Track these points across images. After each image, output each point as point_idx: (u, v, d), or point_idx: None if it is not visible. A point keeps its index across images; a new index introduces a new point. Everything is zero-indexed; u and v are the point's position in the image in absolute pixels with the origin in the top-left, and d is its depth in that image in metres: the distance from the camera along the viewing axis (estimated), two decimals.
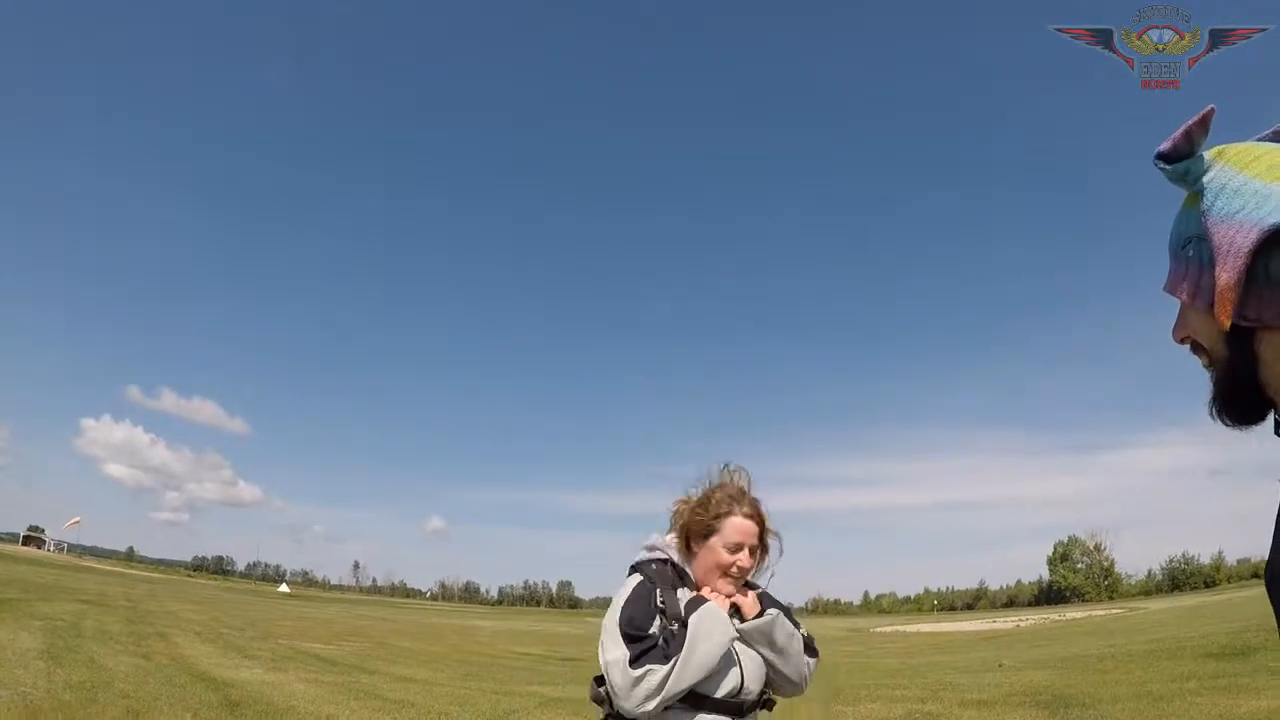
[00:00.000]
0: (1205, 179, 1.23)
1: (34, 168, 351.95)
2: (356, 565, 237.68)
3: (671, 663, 2.46)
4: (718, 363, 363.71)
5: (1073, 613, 78.25)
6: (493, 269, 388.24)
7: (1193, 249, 1.26)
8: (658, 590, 2.71)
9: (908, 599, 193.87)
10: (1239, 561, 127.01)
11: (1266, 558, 1.28)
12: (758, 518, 2.88)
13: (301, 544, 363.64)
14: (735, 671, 2.65)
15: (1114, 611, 67.02)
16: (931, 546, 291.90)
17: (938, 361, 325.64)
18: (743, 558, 2.80)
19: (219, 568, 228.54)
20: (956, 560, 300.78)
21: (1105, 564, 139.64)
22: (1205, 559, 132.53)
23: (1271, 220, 1.12)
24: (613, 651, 2.55)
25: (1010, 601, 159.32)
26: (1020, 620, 69.04)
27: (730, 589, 2.79)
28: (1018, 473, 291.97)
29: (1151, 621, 36.86)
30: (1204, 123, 1.21)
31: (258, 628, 28.56)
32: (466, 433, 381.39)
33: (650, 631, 2.59)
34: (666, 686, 2.45)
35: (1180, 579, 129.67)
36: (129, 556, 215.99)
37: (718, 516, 2.83)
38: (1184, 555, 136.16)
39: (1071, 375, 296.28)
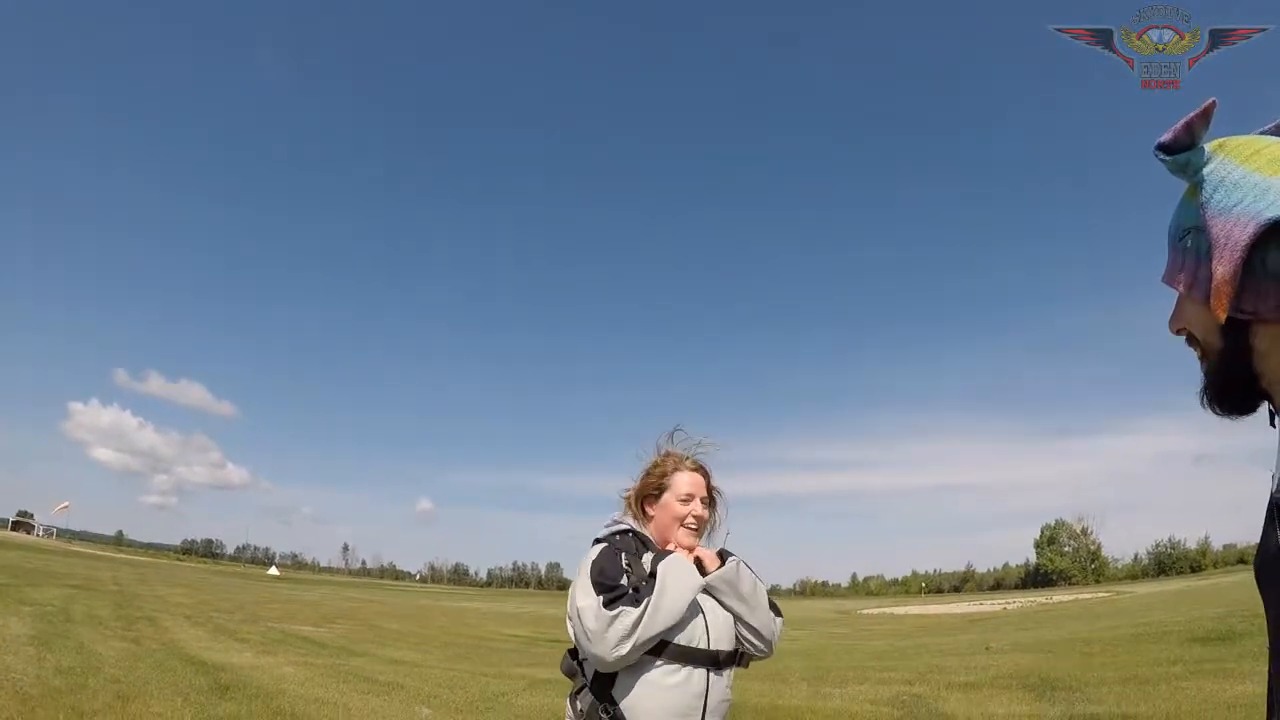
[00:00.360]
0: (1205, 171, 1.23)
1: (22, 157, 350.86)
2: (345, 547, 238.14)
3: (644, 605, 2.53)
4: (709, 347, 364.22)
5: (1059, 596, 78.64)
6: (482, 252, 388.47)
7: (1191, 240, 1.27)
8: (623, 555, 2.79)
9: (895, 581, 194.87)
10: (1225, 547, 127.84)
11: (1256, 546, 1.29)
12: (702, 471, 3.09)
13: (290, 526, 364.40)
14: (701, 623, 2.73)
15: (1100, 595, 67.34)
16: (919, 529, 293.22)
17: (928, 346, 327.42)
18: (696, 507, 2.97)
19: (208, 551, 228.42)
20: (944, 543, 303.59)
21: (1092, 548, 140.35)
22: (1191, 544, 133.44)
23: (1270, 214, 1.13)
24: (584, 599, 2.60)
25: (997, 584, 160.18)
26: (1007, 603, 69.34)
27: (691, 540, 2.94)
28: (1006, 456, 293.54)
29: (1138, 605, 37.07)
30: (1205, 115, 1.21)
31: (247, 611, 28.55)
32: (455, 415, 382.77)
33: (621, 581, 2.66)
34: (640, 629, 2.51)
35: (1166, 563, 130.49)
36: (118, 540, 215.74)
37: (665, 474, 3.04)
38: (1170, 540, 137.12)
39: (1060, 360, 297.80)
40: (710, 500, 3.08)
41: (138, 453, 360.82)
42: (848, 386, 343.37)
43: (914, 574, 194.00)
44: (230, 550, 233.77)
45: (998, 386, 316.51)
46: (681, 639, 2.66)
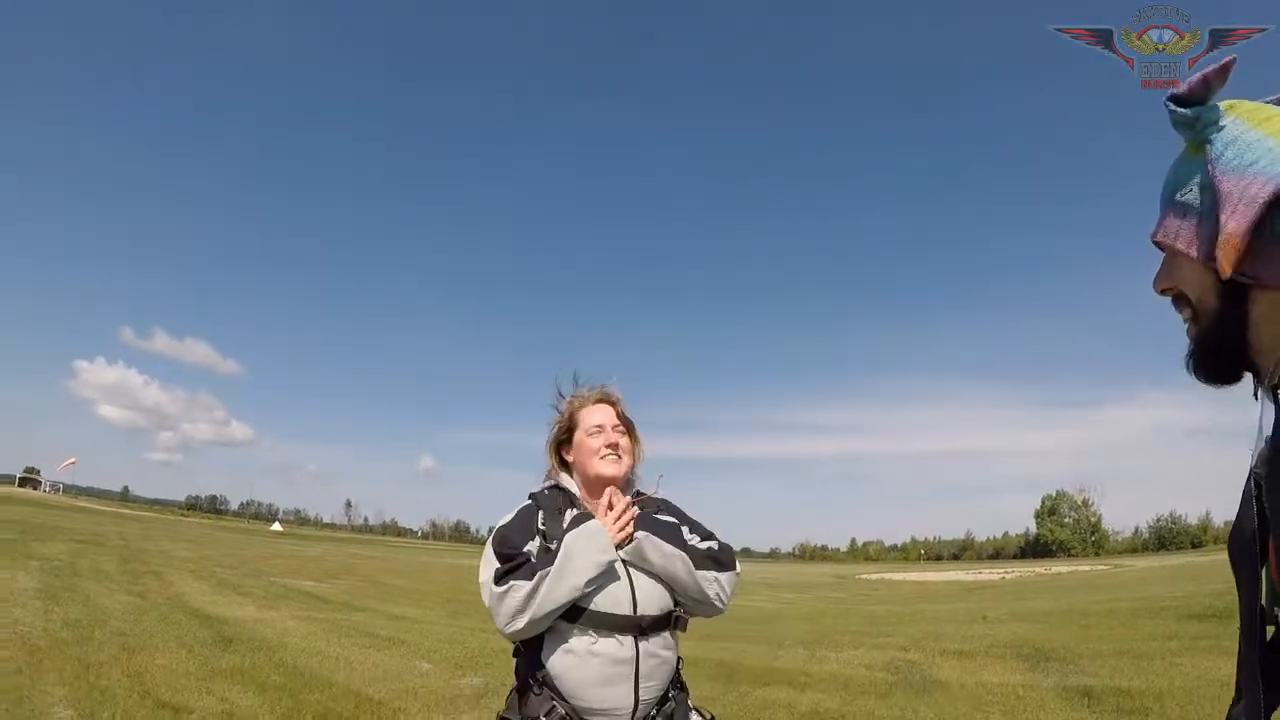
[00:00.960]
0: (1218, 126, 1.23)
1: (26, 118, 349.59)
2: (348, 504, 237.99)
3: (537, 578, 2.45)
4: (712, 310, 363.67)
5: (1058, 567, 78.67)
6: (486, 211, 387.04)
7: (1194, 196, 1.26)
8: (541, 512, 2.74)
9: (895, 547, 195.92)
10: (1226, 523, 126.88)
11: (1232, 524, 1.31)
12: (609, 400, 2.99)
13: (294, 483, 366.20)
14: (626, 588, 2.61)
15: (1099, 568, 67.36)
16: (920, 496, 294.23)
17: (933, 313, 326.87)
18: (608, 434, 2.86)
19: (212, 507, 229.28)
20: (944, 510, 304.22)
21: (1092, 520, 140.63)
22: (1192, 519, 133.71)
23: None
24: (484, 572, 2.59)
25: (996, 553, 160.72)
26: (1006, 572, 69.34)
27: (614, 468, 2.83)
28: (1009, 425, 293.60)
29: (1136, 579, 37.13)
30: (1223, 72, 1.22)
31: (250, 566, 28.69)
32: (458, 373, 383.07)
33: (524, 549, 2.60)
34: (533, 604, 2.45)
35: (1167, 538, 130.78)
36: (124, 496, 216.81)
37: (572, 413, 2.96)
38: (1171, 514, 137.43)
39: (1067, 329, 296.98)
40: (628, 429, 2.97)
41: (143, 410, 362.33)
42: (851, 351, 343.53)
43: (913, 540, 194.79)
44: (234, 506, 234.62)
45: (1003, 354, 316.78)
46: (602, 605, 2.56)
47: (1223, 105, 1.24)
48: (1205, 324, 1.27)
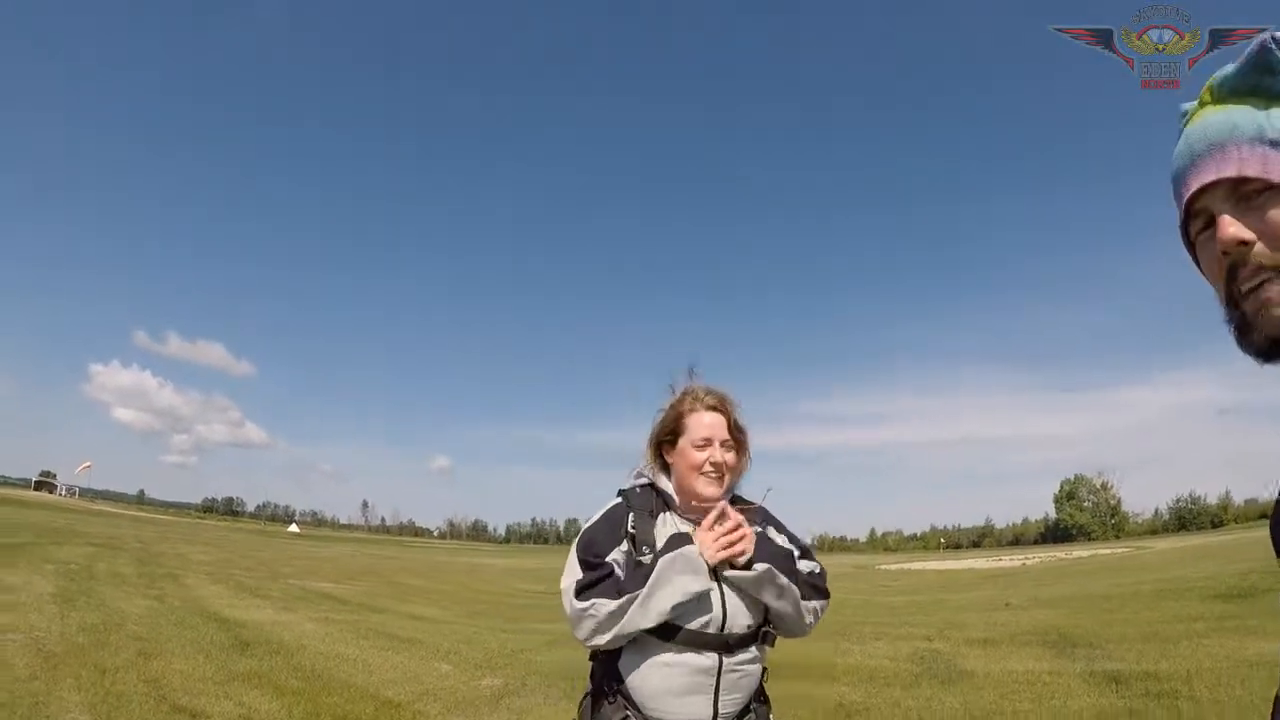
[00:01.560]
0: None
1: (38, 120, 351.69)
2: (365, 505, 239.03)
3: (624, 600, 2.33)
4: (728, 302, 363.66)
5: (1079, 551, 78.39)
6: (500, 208, 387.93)
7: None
8: (631, 515, 2.58)
9: (914, 536, 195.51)
10: (1246, 502, 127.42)
11: (1274, 503, 1.21)
12: (722, 409, 2.73)
13: (310, 484, 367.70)
14: (718, 607, 2.45)
15: (1120, 551, 67.15)
16: (938, 484, 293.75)
17: (947, 299, 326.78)
18: (714, 452, 2.62)
19: (228, 509, 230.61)
20: (963, 498, 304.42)
21: (1112, 503, 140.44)
22: (1212, 499, 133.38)
23: None
24: (566, 578, 2.47)
25: (1016, 540, 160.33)
26: (1027, 558, 69.06)
27: (712, 490, 2.61)
28: (1025, 410, 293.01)
29: (1158, 561, 36.94)
30: None
31: (268, 568, 28.78)
32: (473, 372, 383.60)
33: (608, 558, 2.47)
34: (616, 626, 2.34)
35: (1187, 519, 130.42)
36: (139, 499, 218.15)
37: (679, 416, 2.72)
38: (1190, 495, 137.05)
39: (1080, 313, 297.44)
40: (736, 443, 2.72)
41: (158, 412, 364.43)
42: (866, 340, 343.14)
43: (932, 529, 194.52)
44: (250, 508, 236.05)
45: (1017, 339, 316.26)
46: (689, 622, 2.41)
47: None
48: None
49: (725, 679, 2.43)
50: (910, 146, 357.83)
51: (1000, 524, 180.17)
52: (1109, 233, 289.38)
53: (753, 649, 2.53)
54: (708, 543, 2.45)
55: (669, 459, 2.74)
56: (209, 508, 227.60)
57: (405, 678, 9.81)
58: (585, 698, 2.59)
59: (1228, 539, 56.94)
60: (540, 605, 23.14)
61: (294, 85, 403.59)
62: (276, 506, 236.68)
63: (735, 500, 2.75)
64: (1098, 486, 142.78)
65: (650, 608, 2.33)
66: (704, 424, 2.66)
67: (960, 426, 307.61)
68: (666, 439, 2.74)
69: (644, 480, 2.75)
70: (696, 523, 2.62)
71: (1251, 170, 1.12)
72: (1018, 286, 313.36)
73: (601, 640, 2.37)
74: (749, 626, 2.51)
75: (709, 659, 2.41)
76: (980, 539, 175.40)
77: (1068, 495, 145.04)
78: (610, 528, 2.55)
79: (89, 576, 18.02)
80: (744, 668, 2.49)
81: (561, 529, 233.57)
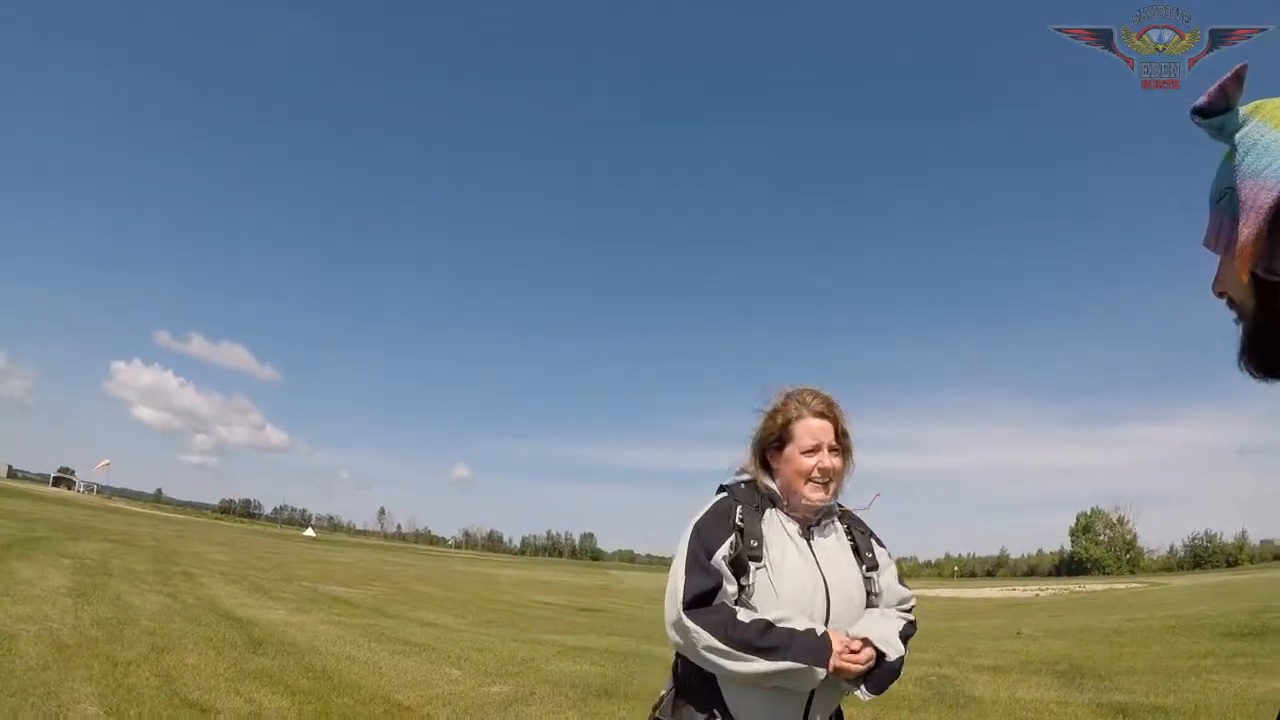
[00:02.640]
0: (1239, 134, 1.23)
1: (65, 119, 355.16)
2: (382, 511, 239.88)
3: (727, 647, 2.26)
4: (747, 324, 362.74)
5: (1093, 585, 78.05)
6: (525, 219, 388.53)
7: (1226, 201, 1.26)
8: (739, 507, 2.53)
9: (929, 563, 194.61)
10: (1262, 542, 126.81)
11: None
12: (830, 415, 2.71)
13: (328, 489, 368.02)
14: (821, 608, 2.44)
15: (1134, 586, 66.71)
16: (954, 513, 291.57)
17: (969, 328, 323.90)
18: (823, 458, 2.61)
19: (246, 510, 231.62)
20: (979, 527, 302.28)
21: (1127, 537, 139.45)
22: (1228, 537, 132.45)
23: None
24: (674, 577, 2.42)
25: (1031, 571, 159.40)
26: (1040, 590, 68.81)
27: (819, 495, 2.60)
28: (1044, 442, 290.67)
29: (1172, 597, 36.72)
30: (1238, 78, 1.21)
31: (283, 570, 28.84)
32: (495, 383, 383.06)
33: (717, 558, 2.39)
34: (709, 660, 2.30)
35: (1202, 556, 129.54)
36: (157, 498, 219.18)
37: (787, 422, 2.68)
38: (1207, 533, 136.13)
39: (1102, 346, 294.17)
40: (842, 448, 2.71)
41: (179, 412, 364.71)
42: (886, 365, 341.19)
43: (947, 557, 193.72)
44: (268, 511, 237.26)
45: (1040, 371, 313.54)
46: (788, 619, 2.36)
47: (1248, 108, 1.25)
48: (1248, 323, 1.28)
49: (819, 694, 2.41)
50: (932, 166, 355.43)
51: (1015, 555, 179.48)
52: (1137, 269, 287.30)
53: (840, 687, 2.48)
54: (838, 653, 2.34)
55: (773, 463, 2.72)
56: (226, 509, 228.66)
57: (415, 681, 9.85)
58: (667, 694, 2.55)
59: (1242, 578, 56.51)
60: (552, 616, 23.17)
61: (331, 90, 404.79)
62: (293, 510, 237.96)
63: (840, 509, 2.78)
64: (1114, 521, 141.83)
65: (749, 672, 2.28)
66: (812, 430, 2.65)
67: (979, 455, 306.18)
68: (773, 445, 2.72)
69: (746, 477, 2.73)
70: (800, 522, 2.64)
71: (1204, 240, 1.34)
72: (1043, 319, 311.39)
73: (688, 655, 2.39)
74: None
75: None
76: (995, 569, 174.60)
77: (1084, 528, 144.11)
78: (719, 520, 2.51)
79: (104, 572, 18.14)
80: (837, 684, 2.43)
81: (576, 543, 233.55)
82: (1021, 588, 78.16)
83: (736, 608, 2.39)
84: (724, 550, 2.43)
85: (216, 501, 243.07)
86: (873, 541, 2.76)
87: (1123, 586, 67.25)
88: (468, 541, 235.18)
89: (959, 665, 13.67)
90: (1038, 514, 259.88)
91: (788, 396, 2.75)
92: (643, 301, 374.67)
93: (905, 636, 2.59)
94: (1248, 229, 1.17)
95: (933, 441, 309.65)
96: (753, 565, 2.41)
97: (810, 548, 2.57)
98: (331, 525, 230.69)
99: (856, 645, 2.37)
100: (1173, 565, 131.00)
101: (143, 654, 9.36)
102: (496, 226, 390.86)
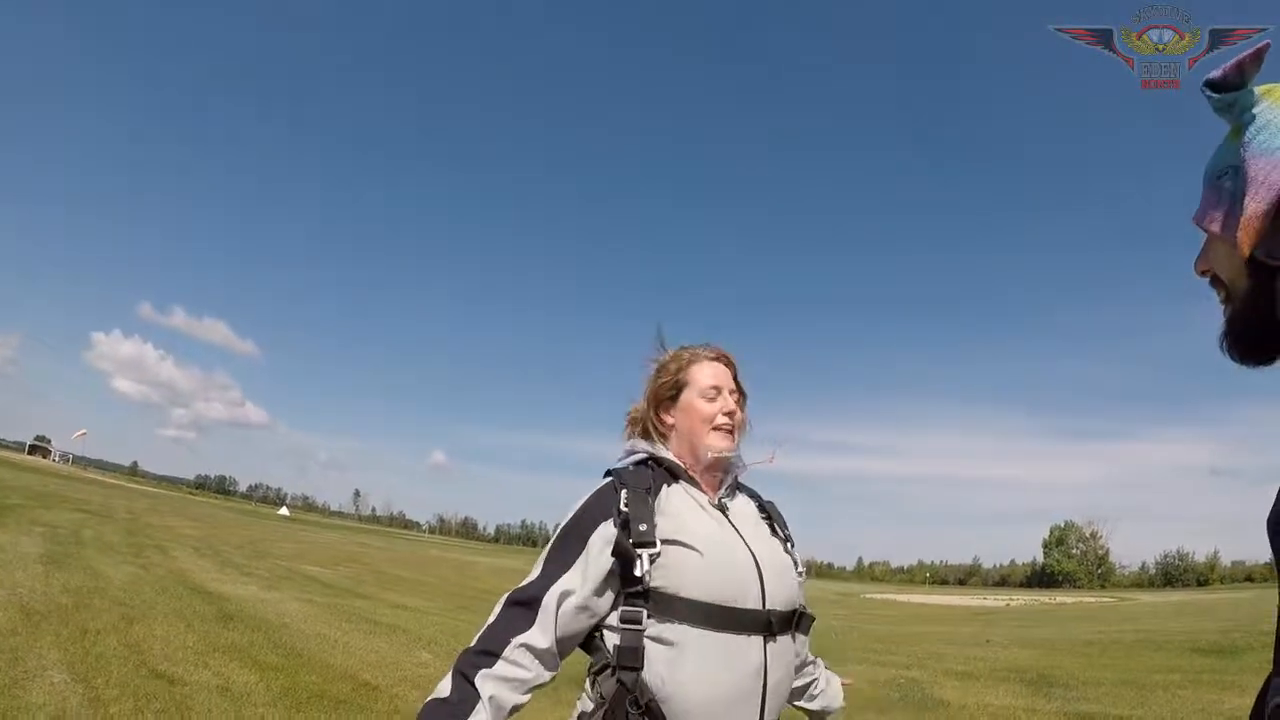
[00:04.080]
0: (1252, 112, 1.22)
1: (59, 106, 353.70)
2: (357, 494, 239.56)
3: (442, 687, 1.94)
4: (734, 326, 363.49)
5: (1063, 597, 78.49)
6: (505, 208, 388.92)
7: (1229, 180, 1.25)
8: (625, 491, 2.15)
9: (901, 569, 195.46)
10: (1233, 563, 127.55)
11: (1275, 498, 1.24)
12: (726, 360, 2.46)
13: (304, 469, 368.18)
14: (754, 575, 2.08)
15: (1105, 600, 67.14)
16: (928, 519, 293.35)
17: (948, 337, 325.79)
18: (726, 402, 2.34)
19: (221, 487, 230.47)
20: (952, 535, 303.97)
21: (1100, 552, 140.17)
22: (1200, 557, 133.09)
23: None
24: (530, 574, 2.12)
25: (1002, 580, 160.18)
26: (1011, 599, 69.17)
27: (726, 443, 2.30)
28: (1020, 454, 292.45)
29: (1141, 612, 36.95)
30: (1258, 56, 1.20)
31: (255, 547, 28.76)
32: (475, 371, 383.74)
33: (564, 583, 2.04)
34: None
35: (1173, 574, 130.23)
36: (133, 471, 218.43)
37: (681, 368, 2.40)
38: (1179, 551, 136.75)
39: (1082, 362, 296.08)
40: (740, 395, 2.44)
41: (158, 385, 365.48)
42: (866, 371, 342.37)
43: (920, 563, 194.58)
44: (243, 488, 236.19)
45: (1020, 384, 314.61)
46: (727, 598, 2.03)
47: (1261, 89, 1.24)
48: (1237, 305, 1.27)
49: (770, 676, 2.06)
50: (920, 182, 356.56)
51: (987, 564, 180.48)
52: (1120, 289, 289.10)
53: (795, 639, 2.23)
54: None
55: (669, 419, 2.41)
56: (201, 484, 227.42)
57: (384, 662, 9.84)
58: (593, 714, 2.01)
59: (1213, 597, 56.88)
60: None
61: (305, 77, 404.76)
62: (269, 488, 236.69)
63: (735, 481, 2.42)
64: (1087, 535, 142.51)
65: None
66: (711, 373, 2.39)
67: (955, 464, 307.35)
68: (668, 395, 2.41)
69: (639, 455, 2.37)
70: (709, 491, 2.32)
71: (1196, 216, 1.32)
72: (1026, 333, 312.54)
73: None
74: (791, 603, 2.19)
75: (754, 656, 2.03)
76: (966, 577, 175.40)
77: (1057, 541, 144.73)
78: (605, 510, 2.14)
79: (76, 541, 18.06)
80: (788, 668, 2.16)
81: (551, 533, 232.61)
82: (992, 597, 78.56)
83: (496, 668, 1.96)
84: (604, 537, 2.08)
85: (192, 477, 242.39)
86: (784, 519, 2.44)
87: (1093, 600, 67.73)
88: (442, 527, 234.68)
89: (928, 669, 13.74)
90: (1012, 525, 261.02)
91: (678, 349, 2.48)
92: (624, 293, 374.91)
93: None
94: (1255, 203, 1.17)
95: (911, 449, 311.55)
96: (645, 553, 2.03)
97: (729, 520, 2.25)
98: (306, 505, 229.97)
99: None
100: (1144, 582, 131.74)
101: (112, 623, 9.33)
102: (479, 215, 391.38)
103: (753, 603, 2.05)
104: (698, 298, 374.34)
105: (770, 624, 2.06)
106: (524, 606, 2.05)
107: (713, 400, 2.34)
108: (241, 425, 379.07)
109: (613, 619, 2.08)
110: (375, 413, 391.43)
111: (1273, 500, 1.24)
